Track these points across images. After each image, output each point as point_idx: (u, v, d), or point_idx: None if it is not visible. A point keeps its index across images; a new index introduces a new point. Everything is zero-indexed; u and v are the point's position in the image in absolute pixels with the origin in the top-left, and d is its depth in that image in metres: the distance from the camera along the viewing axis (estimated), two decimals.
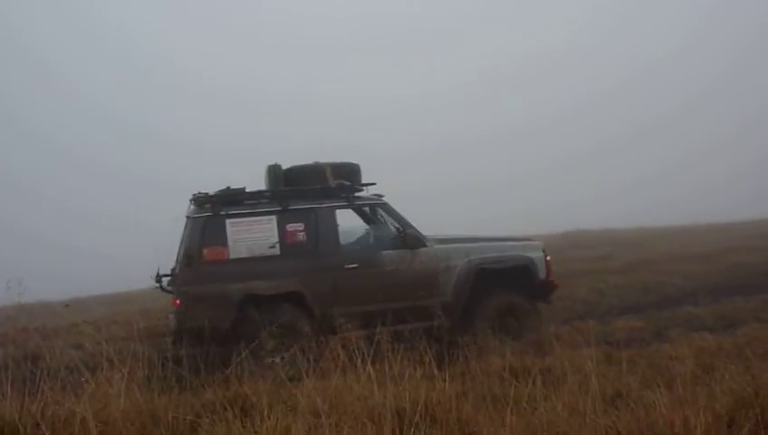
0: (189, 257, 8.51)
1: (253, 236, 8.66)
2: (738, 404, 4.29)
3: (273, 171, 9.24)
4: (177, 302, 8.46)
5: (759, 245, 17.25)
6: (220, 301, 8.36)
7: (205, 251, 8.53)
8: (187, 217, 8.83)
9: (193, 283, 8.47)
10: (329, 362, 6.60)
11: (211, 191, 8.91)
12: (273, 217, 8.77)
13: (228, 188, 8.94)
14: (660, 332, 9.59)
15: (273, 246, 8.70)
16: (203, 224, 8.59)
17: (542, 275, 9.50)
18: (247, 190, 8.99)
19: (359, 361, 6.14)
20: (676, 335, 8.97)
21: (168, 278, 8.96)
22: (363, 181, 9.45)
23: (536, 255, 9.59)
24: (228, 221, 8.60)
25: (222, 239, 8.56)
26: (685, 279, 14.25)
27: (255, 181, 9.43)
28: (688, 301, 11.55)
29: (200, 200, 8.80)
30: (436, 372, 6.44)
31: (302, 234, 8.82)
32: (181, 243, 8.93)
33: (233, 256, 8.58)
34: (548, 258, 9.62)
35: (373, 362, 6.45)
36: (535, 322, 9.35)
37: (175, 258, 9.04)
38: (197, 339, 7.86)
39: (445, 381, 5.93)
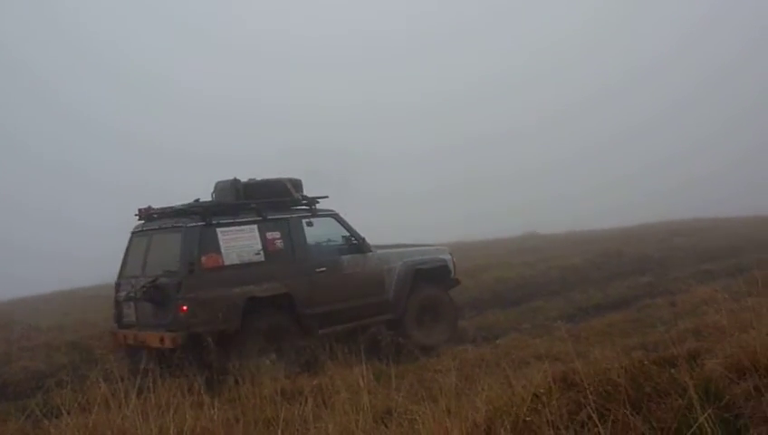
0: (191, 265, 8.76)
1: (240, 243, 9.17)
2: (496, 413, 4.51)
3: (233, 185, 9.71)
4: (185, 308, 8.58)
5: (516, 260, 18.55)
6: (226, 305, 8.74)
7: (203, 259, 8.84)
8: (181, 227, 9.05)
9: (197, 289, 8.70)
10: (95, 394, 6.20)
11: (157, 204, 9.54)
12: (255, 226, 9.36)
13: (197, 200, 9.57)
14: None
15: (258, 253, 9.26)
16: (198, 233, 8.91)
17: (452, 273, 11.21)
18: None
19: (121, 393, 5.79)
20: (443, 348, 9.41)
21: (144, 289, 8.89)
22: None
23: (448, 257, 11.28)
24: (219, 230, 9.03)
25: (216, 247, 8.96)
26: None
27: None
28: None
29: (192, 211, 9.25)
30: (206, 399, 6.25)
31: (279, 241, 9.50)
32: (139, 255, 9.50)
33: (227, 262, 9.00)
34: (454, 260, 11.30)
35: (139, 393, 6.13)
36: (452, 311, 11.03)
37: (120, 271, 9.74)
38: (206, 342, 8.17)
39: (214, 408, 5.77)
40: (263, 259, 9.26)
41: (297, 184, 10.20)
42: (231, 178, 9.80)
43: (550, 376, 4.80)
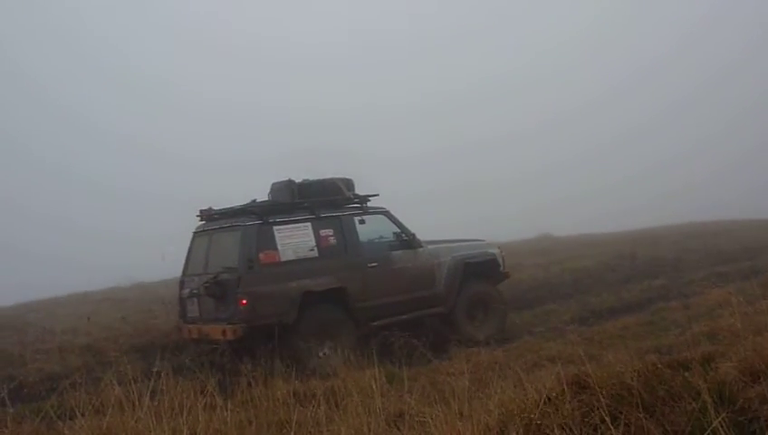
0: (250, 261, 9.28)
1: (295, 240, 9.67)
2: (507, 416, 4.50)
3: (289, 186, 10.26)
4: (244, 302, 9.06)
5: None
6: (283, 298, 9.23)
7: (261, 255, 9.36)
8: (240, 226, 9.60)
9: (257, 284, 9.23)
10: (108, 396, 6.24)
11: (215, 205, 10.14)
12: (309, 224, 9.85)
13: (254, 200, 10.22)
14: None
15: (312, 249, 9.75)
16: (256, 231, 9.45)
17: (502, 267, 11.51)
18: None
19: (135, 395, 5.82)
20: (455, 351, 9.39)
21: (206, 285, 9.46)
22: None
23: (496, 251, 11.62)
24: (275, 228, 9.57)
25: (273, 244, 9.49)
26: None
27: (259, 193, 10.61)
28: None
29: (249, 210, 9.82)
30: (219, 401, 6.26)
31: (332, 238, 9.97)
32: (202, 253, 10.11)
33: (283, 258, 9.52)
34: (503, 254, 11.61)
35: (152, 396, 6.16)
36: (502, 305, 11.33)
37: (183, 269, 10.40)
38: (266, 334, 8.74)
39: (227, 410, 5.78)
40: (317, 255, 9.75)
41: (349, 183, 10.68)
42: (286, 179, 10.38)
43: (562, 379, 4.79)
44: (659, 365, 4.74)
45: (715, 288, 10.78)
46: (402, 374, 6.97)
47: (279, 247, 9.49)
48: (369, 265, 10.18)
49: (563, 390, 4.54)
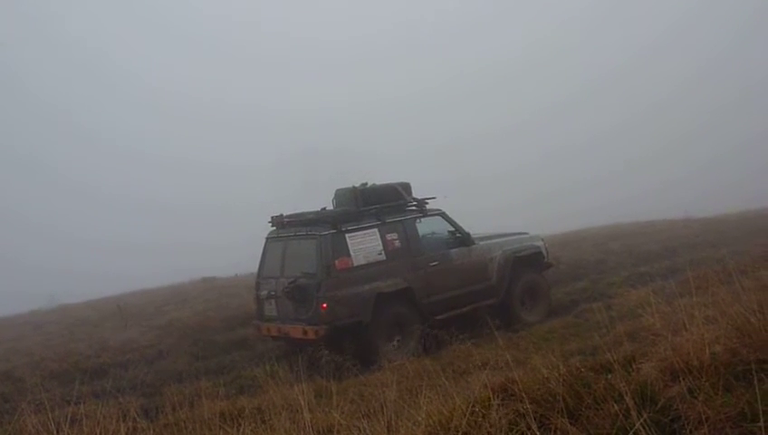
0: (327, 268, 10.06)
1: (365, 246, 10.45)
2: (436, 427, 4.48)
3: (353, 192, 10.92)
4: (325, 305, 9.87)
5: None
6: (359, 300, 10.11)
7: (336, 261, 10.14)
8: (316, 235, 10.32)
9: (334, 288, 10.01)
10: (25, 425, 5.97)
11: (285, 212, 11.02)
12: (376, 230, 10.65)
13: (324, 208, 11.11)
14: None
15: (380, 253, 10.56)
16: (331, 239, 10.20)
17: (546, 257, 12.52)
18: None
19: (52, 424, 5.58)
20: (387, 363, 9.35)
21: (286, 289, 10.24)
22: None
23: (541, 243, 12.55)
24: (347, 235, 10.35)
25: (346, 250, 10.29)
26: None
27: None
28: None
29: (322, 220, 10.54)
30: (144, 425, 6.07)
31: (397, 241, 10.77)
32: (278, 259, 10.87)
33: (356, 263, 10.32)
34: (546, 246, 12.65)
35: (72, 423, 5.92)
36: (547, 290, 12.39)
37: (259, 272, 11.20)
38: (346, 334, 9.86)
39: (151, 434, 5.61)
40: (384, 258, 10.59)
41: (407, 187, 11.47)
42: (350, 186, 11.10)
43: (489, 387, 4.80)
44: (583, 369, 4.80)
45: (636, 288, 11.07)
46: (331, 388, 6.89)
47: (351, 253, 10.31)
48: (430, 264, 11.03)
49: (490, 397, 4.54)
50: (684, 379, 4.41)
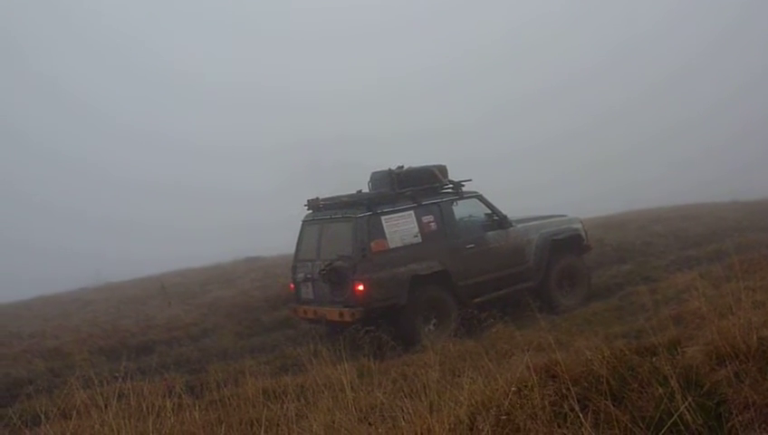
0: (363, 250, 10.05)
1: (401, 228, 10.39)
2: (478, 407, 4.50)
3: (389, 175, 10.81)
4: (361, 287, 9.86)
5: None
6: (395, 283, 10.03)
7: (372, 244, 10.11)
8: (351, 217, 10.30)
9: (370, 271, 9.96)
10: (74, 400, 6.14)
11: (321, 196, 10.95)
12: (412, 212, 10.54)
13: (359, 191, 11.04)
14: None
15: (416, 235, 10.46)
16: (367, 222, 10.16)
17: (585, 240, 12.20)
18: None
19: (102, 398, 5.73)
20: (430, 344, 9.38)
21: (322, 272, 10.19)
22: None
23: (579, 226, 12.26)
24: (383, 218, 10.28)
25: (381, 233, 10.23)
26: None
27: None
28: None
29: (358, 202, 10.49)
30: (189, 401, 6.19)
31: (433, 223, 10.65)
32: (315, 241, 10.83)
33: (391, 245, 10.25)
34: (585, 228, 12.32)
35: (120, 398, 6.07)
36: (587, 274, 12.10)
37: (295, 255, 11.18)
38: (382, 315, 9.91)
39: (197, 410, 5.72)
40: (420, 241, 10.46)
41: (443, 170, 11.27)
42: (386, 169, 10.96)
43: (532, 368, 4.80)
44: (627, 352, 4.77)
45: (682, 272, 10.91)
46: (373, 368, 6.94)
47: (387, 236, 10.24)
48: (466, 246, 10.88)
49: (533, 379, 4.54)
50: (730, 363, 4.36)
